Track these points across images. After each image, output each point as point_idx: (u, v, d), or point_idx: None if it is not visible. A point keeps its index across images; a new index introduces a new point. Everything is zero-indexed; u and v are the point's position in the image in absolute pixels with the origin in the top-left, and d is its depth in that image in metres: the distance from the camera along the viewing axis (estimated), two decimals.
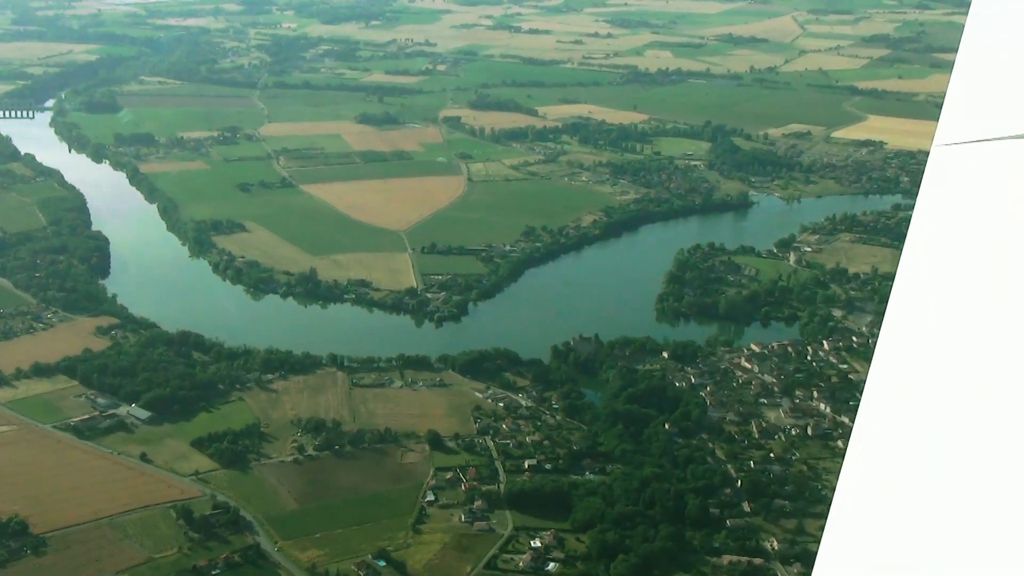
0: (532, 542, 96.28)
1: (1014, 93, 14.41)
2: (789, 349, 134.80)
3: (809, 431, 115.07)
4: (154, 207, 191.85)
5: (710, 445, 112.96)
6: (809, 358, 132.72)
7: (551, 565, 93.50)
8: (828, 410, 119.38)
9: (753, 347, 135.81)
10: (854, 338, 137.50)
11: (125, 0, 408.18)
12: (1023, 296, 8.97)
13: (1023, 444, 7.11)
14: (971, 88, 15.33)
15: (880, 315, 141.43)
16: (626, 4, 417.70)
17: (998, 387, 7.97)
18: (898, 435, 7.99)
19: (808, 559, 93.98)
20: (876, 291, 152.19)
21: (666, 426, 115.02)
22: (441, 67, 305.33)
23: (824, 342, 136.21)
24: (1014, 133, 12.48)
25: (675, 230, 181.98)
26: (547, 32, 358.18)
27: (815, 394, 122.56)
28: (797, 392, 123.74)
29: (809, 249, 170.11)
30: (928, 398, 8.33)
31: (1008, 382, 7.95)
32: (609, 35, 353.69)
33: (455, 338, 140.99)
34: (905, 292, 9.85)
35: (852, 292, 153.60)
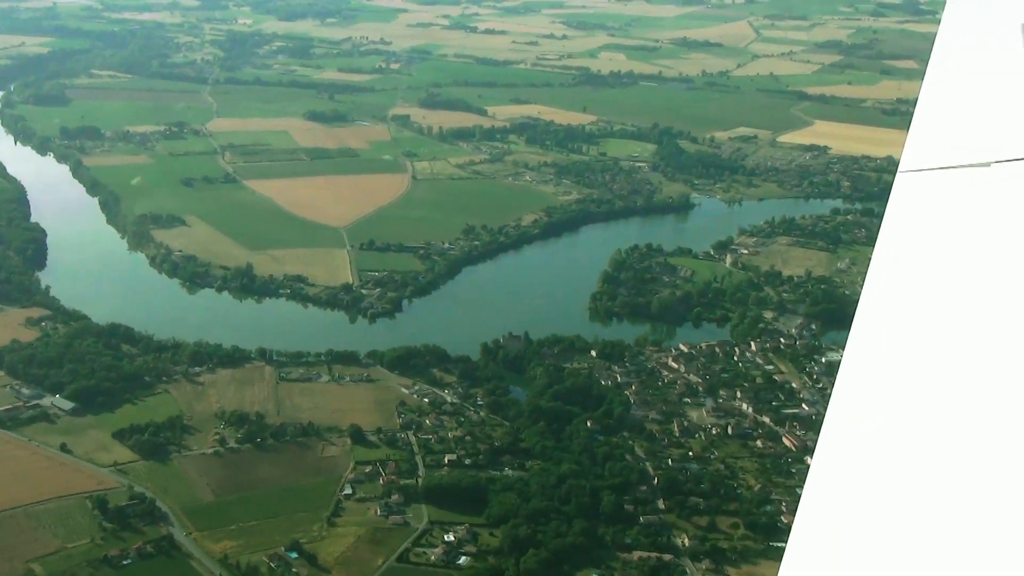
0: (446, 536, 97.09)
1: (978, 121, 14.80)
2: (717, 350, 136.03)
3: (729, 430, 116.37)
4: (96, 200, 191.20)
5: (630, 443, 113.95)
6: (736, 359, 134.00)
7: (462, 559, 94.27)
8: (750, 410, 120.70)
9: (682, 347, 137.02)
10: (782, 340, 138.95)
11: None
12: (984, 320, 9.11)
13: (984, 467, 7.23)
14: (936, 115, 15.57)
15: (810, 317, 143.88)
16: (583, 6, 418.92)
17: (961, 410, 8.05)
18: (860, 458, 7.94)
19: (718, 556, 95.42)
20: (808, 294, 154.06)
21: (588, 424, 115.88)
22: (394, 66, 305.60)
23: (752, 343, 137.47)
24: (977, 161, 12.70)
25: (615, 231, 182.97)
26: (503, 33, 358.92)
27: (738, 394, 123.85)
28: (721, 392, 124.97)
29: (746, 251, 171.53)
30: (890, 422, 8.35)
31: (972, 404, 8.03)
32: (564, 36, 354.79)
33: (388, 334, 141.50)
34: (869, 314, 9.98)
35: (785, 294, 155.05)
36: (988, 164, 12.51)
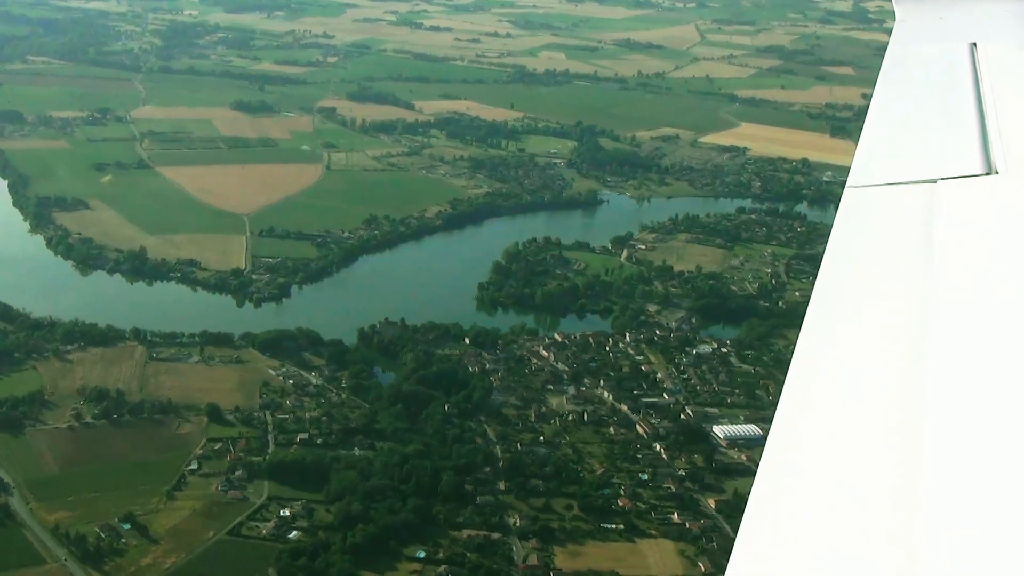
0: (281, 511, 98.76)
1: (926, 138, 14.97)
2: (590, 340, 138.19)
3: (585, 417, 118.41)
4: (4, 183, 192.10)
5: (484, 426, 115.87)
6: (608, 349, 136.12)
7: (293, 533, 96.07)
8: (610, 398, 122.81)
9: (556, 336, 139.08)
10: (657, 331, 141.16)
11: None
12: (925, 330, 9.24)
13: (936, 475, 7.37)
14: (884, 131, 15.78)
15: (692, 311, 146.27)
16: (534, 6, 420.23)
17: (905, 424, 8.09)
18: (802, 475, 8.02)
19: (546, 535, 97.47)
20: (695, 288, 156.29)
21: (446, 407, 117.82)
22: (332, 59, 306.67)
23: (627, 334, 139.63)
24: (924, 177, 12.86)
25: (519, 224, 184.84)
26: (447, 30, 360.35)
27: (601, 383, 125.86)
28: (586, 380, 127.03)
29: (643, 247, 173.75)
30: (831, 438, 8.44)
31: (916, 419, 8.06)
32: (508, 35, 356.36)
33: (272, 318, 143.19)
34: (816, 324, 10.11)
35: (672, 289, 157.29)
36: (934, 180, 12.62)
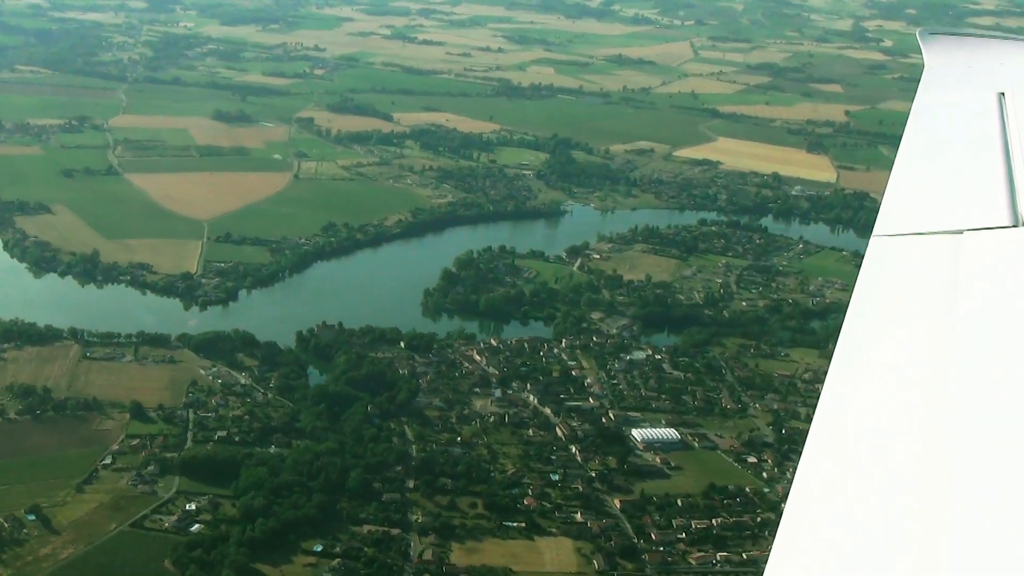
0: (187, 505, 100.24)
1: (952, 188, 14.95)
2: (526, 345, 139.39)
3: (506, 419, 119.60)
4: None
5: (405, 427, 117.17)
6: (542, 354, 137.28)
7: (196, 526, 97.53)
8: (535, 401, 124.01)
9: (492, 341, 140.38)
10: (594, 338, 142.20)
11: None
12: (950, 378, 9.34)
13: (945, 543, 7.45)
14: (911, 180, 15.66)
15: (635, 318, 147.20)
16: (531, 22, 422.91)
17: (930, 475, 8.19)
18: (828, 521, 8.25)
19: (446, 531, 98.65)
20: (641, 297, 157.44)
21: (368, 408, 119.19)
22: (319, 71, 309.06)
23: (563, 340, 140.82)
24: (950, 228, 12.81)
25: (480, 233, 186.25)
26: (440, 44, 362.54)
27: (528, 386, 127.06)
28: (513, 384, 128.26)
29: (598, 256, 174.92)
30: (856, 489, 8.57)
31: (941, 469, 8.16)
32: (500, 50, 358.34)
33: (219, 322, 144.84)
34: (839, 376, 10.18)
35: (619, 297, 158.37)
36: (961, 231, 12.56)
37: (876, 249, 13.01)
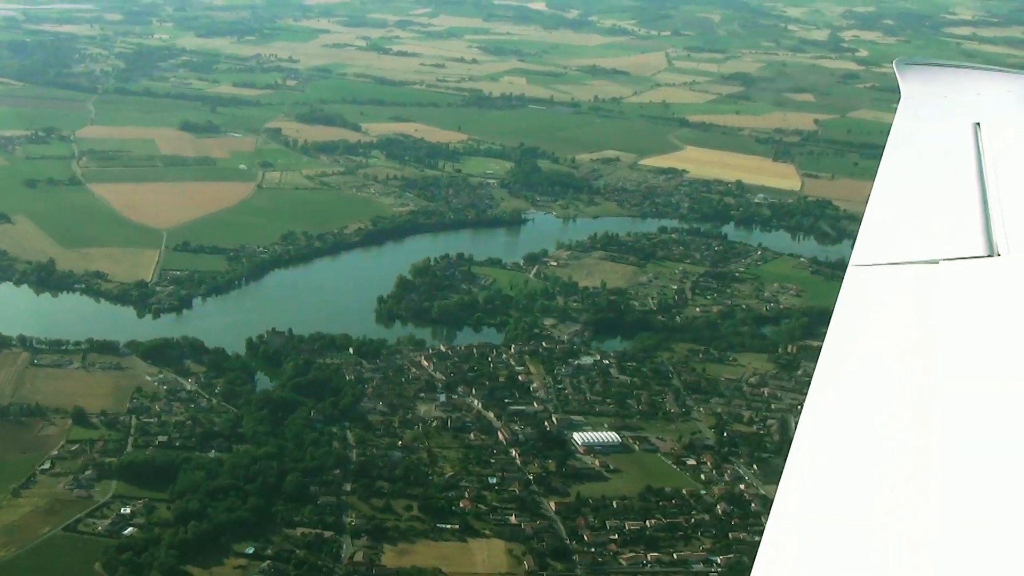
0: (122, 509, 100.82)
1: (928, 218, 15.16)
2: (474, 351, 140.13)
3: (448, 423, 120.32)
4: None
5: (347, 432, 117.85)
6: (490, 360, 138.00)
7: (129, 529, 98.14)
8: (479, 405, 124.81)
9: (442, 347, 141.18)
10: (543, 343, 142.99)
11: (8, 5, 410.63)
12: (926, 404, 9.57)
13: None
14: (887, 211, 15.92)
15: (587, 324, 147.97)
16: (508, 33, 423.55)
17: (910, 502, 8.36)
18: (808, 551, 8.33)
19: (378, 533, 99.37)
20: (595, 303, 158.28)
21: (311, 413, 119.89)
22: (291, 82, 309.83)
23: (512, 346, 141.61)
24: (926, 258, 13.01)
25: (440, 241, 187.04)
26: (415, 55, 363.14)
27: (473, 391, 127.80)
28: (459, 389, 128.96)
29: (555, 263, 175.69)
30: (833, 517, 8.68)
31: (922, 499, 8.31)
32: (474, 61, 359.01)
33: (172, 329, 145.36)
34: (817, 404, 10.46)
35: (573, 303, 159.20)
36: (936, 261, 12.77)
37: (853, 279, 13.17)
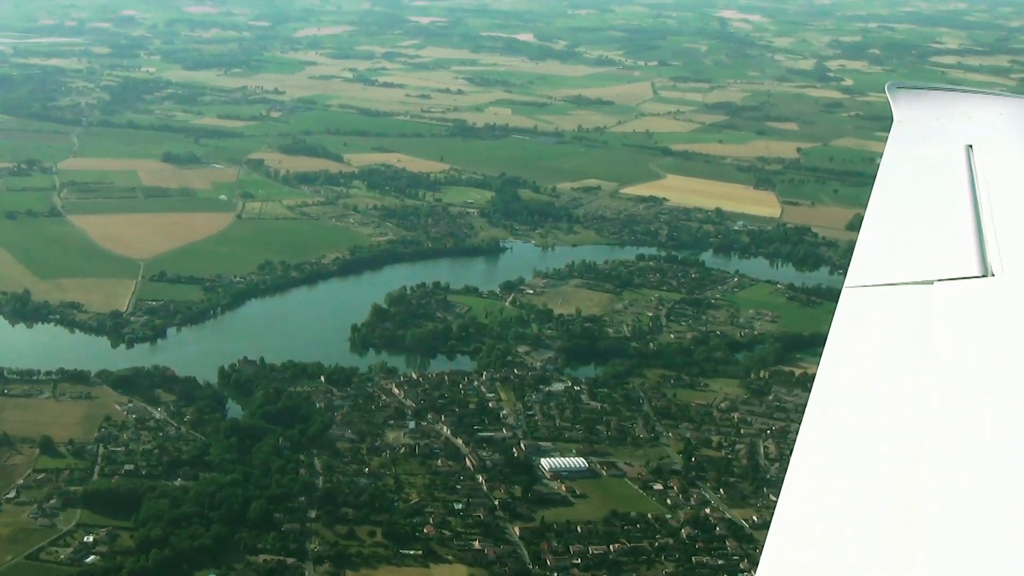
0: (85, 537, 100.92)
1: (922, 239, 15.25)
2: (446, 378, 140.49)
3: (416, 450, 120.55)
4: None
5: (315, 459, 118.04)
6: (461, 387, 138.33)
7: (91, 557, 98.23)
8: (447, 432, 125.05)
9: (413, 375, 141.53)
10: (515, 370, 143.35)
11: None
12: (924, 433, 9.57)
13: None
14: (882, 232, 16.00)
15: (560, 351, 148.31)
16: (495, 64, 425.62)
17: (905, 525, 8.39)
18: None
19: (341, 560, 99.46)
20: (569, 330, 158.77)
21: (280, 440, 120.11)
22: (275, 114, 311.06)
23: (484, 373, 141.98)
24: (921, 279, 13.04)
25: (418, 270, 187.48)
26: (401, 86, 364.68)
27: (442, 418, 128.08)
28: (429, 416, 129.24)
29: (531, 292, 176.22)
30: (831, 533, 8.74)
31: (915, 518, 8.37)
32: (460, 91, 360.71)
33: (146, 358, 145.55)
34: (814, 424, 10.34)
35: (548, 331, 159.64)
36: (931, 282, 12.83)
37: (848, 300, 13.13)
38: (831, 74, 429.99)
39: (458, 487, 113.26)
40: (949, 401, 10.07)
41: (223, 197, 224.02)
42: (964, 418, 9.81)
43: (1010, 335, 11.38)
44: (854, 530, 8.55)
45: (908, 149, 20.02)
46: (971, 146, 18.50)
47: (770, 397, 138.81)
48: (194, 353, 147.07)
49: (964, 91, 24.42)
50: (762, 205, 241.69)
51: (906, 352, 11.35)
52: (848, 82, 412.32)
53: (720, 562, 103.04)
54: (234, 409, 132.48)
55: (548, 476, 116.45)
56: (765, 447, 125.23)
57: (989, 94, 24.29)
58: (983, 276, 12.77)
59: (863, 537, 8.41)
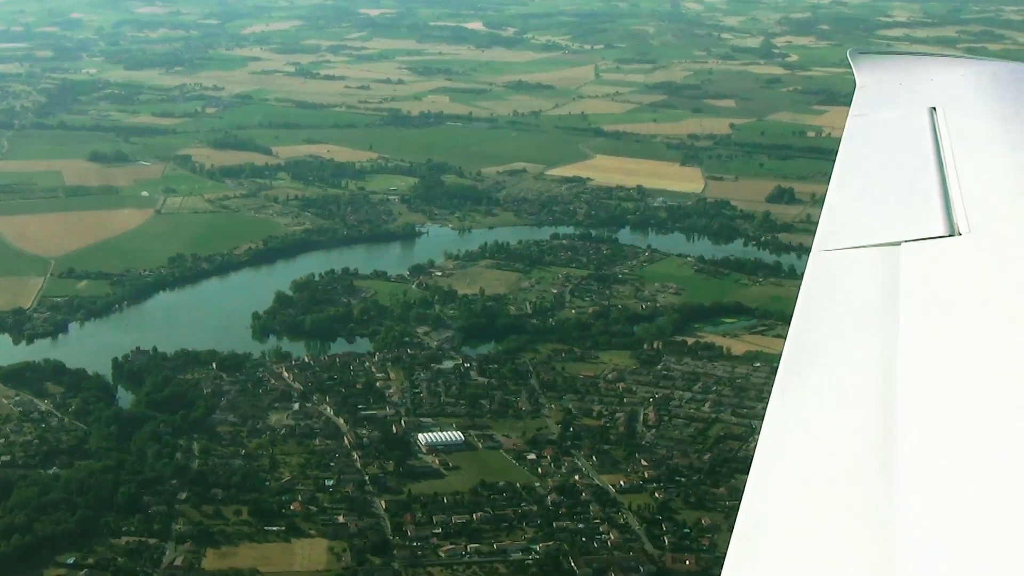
0: None
1: (889, 202, 15.30)
2: (337, 360, 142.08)
3: (296, 431, 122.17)
4: None
5: (194, 443, 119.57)
6: (352, 368, 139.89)
7: None
8: (330, 412, 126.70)
9: (305, 358, 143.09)
10: (408, 350, 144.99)
11: None
12: (894, 390, 9.58)
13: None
14: (848, 195, 16.05)
15: (459, 331, 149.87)
16: (440, 54, 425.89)
17: (876, 487, 8.35)
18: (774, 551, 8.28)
19: (203, 538, 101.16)
20: (470, 309, 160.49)
21: (161, 426, 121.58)
22: (210, 110, 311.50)
23: (377, 354, 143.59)
24: (888, 240, 13.14)
25: (332, 257, 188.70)
26: (341, 78, 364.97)
27: (327, 399, 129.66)
28: (314, 397, 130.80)
29: (440, 274, 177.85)
30: (801, 500, 8.76)
31: (886, 481, 8.32)
32: (400, 81, 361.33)
33: (43, 352, 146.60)
34: (785, 388, 10.37)
35: (450, 311, 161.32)
36: (899, 243, 12.93)
37: (816, 264, 13.21)
38: (776, 51, 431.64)
39: (332, 464, 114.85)
40: (918, 358, 10.17)
41: (145, 193, 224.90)
42: (934, 374, 9.93)
43: (976, 291, 11.59)
44: (826, 496, 8.66)
45: (871, 114, 20.16)
46: (935, 108, 18.49)
47: (659, 367, 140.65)
48: (93, 346, 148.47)
49: (927, 55, 24.46)
50: (686, 181, 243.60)
51: (875, 312, 11.40)
52: (793, 58, 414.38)
53: (580, 526, 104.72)
54: (126, 399, 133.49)
55: (424, 450, 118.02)
56: (645, 415, 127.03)
57: (952, 57, 24.37)
58: (949, 235, 12.82)
59: (835, 504, 8.48)
